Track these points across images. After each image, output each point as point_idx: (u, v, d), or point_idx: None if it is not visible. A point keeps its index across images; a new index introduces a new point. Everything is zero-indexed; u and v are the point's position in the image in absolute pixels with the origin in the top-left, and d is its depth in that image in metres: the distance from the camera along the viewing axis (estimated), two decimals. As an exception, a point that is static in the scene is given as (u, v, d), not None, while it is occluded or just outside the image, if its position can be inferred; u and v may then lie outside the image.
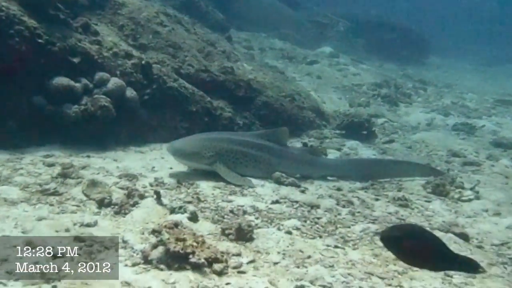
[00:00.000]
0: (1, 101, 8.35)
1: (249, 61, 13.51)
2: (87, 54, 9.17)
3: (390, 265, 5.57)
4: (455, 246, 6.38)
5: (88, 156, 8.49)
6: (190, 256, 4.79)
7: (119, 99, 9.20)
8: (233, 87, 11.39)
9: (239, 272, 5.02)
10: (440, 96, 19.89)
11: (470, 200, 8.34)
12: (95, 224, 5.68)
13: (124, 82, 9.42)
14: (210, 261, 4.89)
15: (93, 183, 6.69)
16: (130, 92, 9.39)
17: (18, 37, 8.36)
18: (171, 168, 8.33)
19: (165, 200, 6.69)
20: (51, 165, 7.57)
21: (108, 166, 7.99)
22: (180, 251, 4.77)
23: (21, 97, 8.52)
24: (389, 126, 14.06)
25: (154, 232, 5.11)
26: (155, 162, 8.57)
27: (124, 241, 5.32)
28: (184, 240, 4.88)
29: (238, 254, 5.42)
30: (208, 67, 11.30)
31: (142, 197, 6.46)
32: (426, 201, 8.18)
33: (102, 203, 6.26)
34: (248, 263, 5.26)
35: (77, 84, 8.85)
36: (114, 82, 9.19)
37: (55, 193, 6.51)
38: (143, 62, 9.82)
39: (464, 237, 6.62)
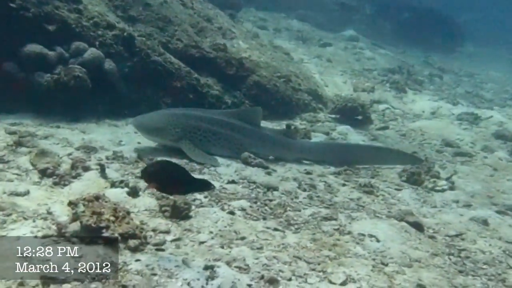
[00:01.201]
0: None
1: (249, 40, 13.10)
2: (64, 22, 9.01)
3: (324, 250, 5.31)
4: (405, 234, 6.09)
5: (58, 127, 8.36)
6: (104, 230, 4.60)
7: (96, 70, 9.04)
8: (223, 65, 11.12)
9: (157, 249, 4.81)
10: (456, 85, 19.27)
11: (443, 190, 8.02)
12: (26, 193, 5.51)
13: (103, 53, 9.25)
14: (126, 237, 4.67)
15: (43, 153, 6.53)
16: (108, 64, 9.21)
17: (-12, 1, 8.21)
18: (139, 143, 8.17)
19: (113, 174, 6.51)
20: (12, 133, 7.42)
21: (72, 137, 7.84)
22: (93, 224, 4.57)
23: (-10, 64, 8.39)
24: (390, 113, 13.62)
25: (70, 204, 4.92)
26: (125, 136, 8.40)
27: (49, 212, 5.15)
28: (100, 214, 4.68)
29: (166, 232, 5.22)
30: (198, 43, 11.06)
31: (86, 169, 6.30)
32: (396, 189, 7.85)
33: (44, 173, 6.11)
34: (172, 240, 5.06)
35: (51, 53, 8.72)
36: (91, 52, 9.03)
37: (2, 159, 6.35)
38: (125, 34, 9.62)
39: (418, 226, 6.32)
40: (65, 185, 5.94)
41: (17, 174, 6.10)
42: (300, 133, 9.74)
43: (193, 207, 5.96)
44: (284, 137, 8.54)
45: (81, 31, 9.16)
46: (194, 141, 7.87)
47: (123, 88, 9.48)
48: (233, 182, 6.95)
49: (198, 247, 5.01)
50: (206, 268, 4.50)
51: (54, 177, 6.07)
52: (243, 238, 5.36)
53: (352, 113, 11.70)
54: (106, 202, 4.89)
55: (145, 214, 5.61)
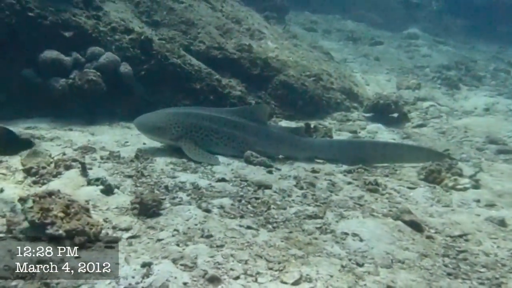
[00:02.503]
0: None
1: (281, 40, 12.89)
2: (81, 28, 9.21)
3: (293, 249, 5.00)
4: (397, 234, 5.67)
5: (70, 129, 8.54)
6: (48, 227, 4.54)
7: (112, 74, 9.16)
8: (247, 65, 10.98)
9: (107, 247, 4.69)
10: (525, 80, 17.92)
11: (465, 189, 7.38)
12: (-1, 192, 5.59)
13: (120, 57, 9.36)
14: (73, 234, 4.61)
15: (35, 153, 6.62)
16: (124, 67, 9.31)
17: (8, 11, 8.52)
18: (144, 144, 8.15)
19: (101, 173, 6.50)
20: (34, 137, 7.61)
21: (78, 139, 7.96)
22: (37, 220, 4.54)
23: (11, 70, 8.71)
24: (435, 110, 12.88)
25: (20, 200, 4.92)
26: (133, 137, 8.42)
27: (13, 210, 5.18)
28: (48, 210, 4.64)
29: (127, 229, 5.12)
30: (222, 44, 10.97)
31: (68, 168, 6.32)
32: (409, 187, 7.34)
33: (29, 173, 6.20)
34: (128, 238, 4.94)
35: (67, 58, 8.92)
36: (106, 56, 9.16)
37: (-8, 160, 6.53)
38: (142, 37, 9.68)
39: (414, 225, 5.85)
40: (43, 183, 5.97)
41: (2, 174, 6.20)
42: (320, 132, 9.32)
43: (168, 204, 5.83)
44: (292, 135, 8.21)
45: (97, 36, 9.32)
46: (195, 140, 7.75)
47: (140, 91, 9.53)
48: (223, 180, 6.76)
49: (153, 245, 4.85)
50: (144, 265, 4.33)
51: (37, 176, 6.11)
52: (208, 236, 5.14)
53: (385, 111, 11.16)
54: (59, 198, 4.84)
55: (114, 211, 5.54)
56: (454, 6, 27.22)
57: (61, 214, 4.68)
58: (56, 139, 7.78)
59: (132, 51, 9.45)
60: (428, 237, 5.75)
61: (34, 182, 6.01)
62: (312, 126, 9.52)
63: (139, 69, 9.50)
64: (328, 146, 8.42)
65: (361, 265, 4.94)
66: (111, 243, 4.77)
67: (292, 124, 10.06)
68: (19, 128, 8.14)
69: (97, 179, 5.98)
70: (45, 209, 4.64)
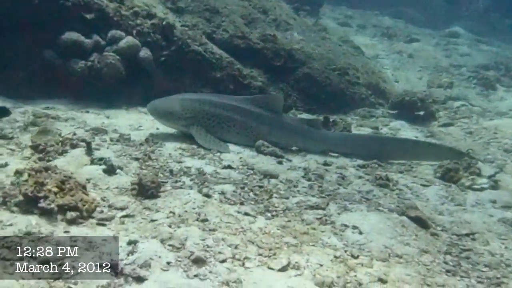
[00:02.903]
0: (13, 53, 8.73)
1: (308, 32, 12.72)
2: (103, 11, 9.23)
3: (287, 237, 4.90)
4: (400, 229, 5.52)
5: (87, 112, 8.59)
6: (41, 200, 4.55)
7: (132, 58, 9.17)
8: (271, 56, 10.87)
9: (98, 224, 4.68)
10: None
11: (482, 189, 7.13)
12: (3, 166, 5.62)
13: (140, 42, 9.35)
14: (66, 209, 4.60)
15: (44, 131, 6.70)
16: (144, 52, 9.30)
17: (31, -9, 8.61)
18: (157, 129, 8.14)
19: (108, 154, 6.50)
20: (39, 116, 7.68)
21: (93, 121, 7.99)
22: (30, 193, 4.55)
23: (33, 50, 8.80)
24: (465, 110, 12.51)
25: (16, 173, 4.95)
26: (148, 122, 8.40)
27: (13, 184, 5.19)
28: (42, 184, 4.65)
29: (122, 208, 5.08)
30: (246, 33, 10.88)
31: (74, 146, 6.34)
32: (423, 185, 7.14)
33: (36, 150, 6.24)
34: (122, 217, 4.90)
35: (87, 40, 8.96)
36: (126, 40, 9.17)
37: (5, 137, 6.61)
38: (164, 23, 9.66)
39: (419, 221, 5.67)
40: (48, 161, 5.99)
41: (11, 150, 6.27)
42: (339, 126, 9.14)
43: (169, 187, 5.78)
44: (307, 126, 8.04)
45: (119, 20, 9.33)
46: (207, 127, 7.68)
47: (159, 76, 9.52)
48: (229, 167, 6.69)
49: (145, 225, 4.81)
50: (130, 243, 4.29)
51: (43, 153, 6.14)
52: (204, 220, 5.07)
53: (410, 108, 10.90)
54: (56, 174, 4.84)
55: (113, 191, 5.52)
56: (502, 5, 26.24)
57: (55, 189, 4.68)
58: (71, 120, 7.82)
59: (153, 37, 9.43)
60: (433, 234, 5.56)
61: (40, 159, 6.03)
62: (331, 120, 9.30)
63: (159, 54, 9.49)
64: (343, 140, 8.24)
65: (355, 257, 4.80)
66: (104, 221, 4.76)
67: (310, 117, 9.83)
68: (37, 108, 8.18)
69: (101, 159, 5.98)
70: (39, 183, 4.65)
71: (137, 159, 6.61)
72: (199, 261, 4.19)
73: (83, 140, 6.50)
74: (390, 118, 11.01)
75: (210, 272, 4.10)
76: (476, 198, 6.84)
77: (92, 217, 4.76)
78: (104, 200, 5.20)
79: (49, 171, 4.89)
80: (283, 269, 4.32)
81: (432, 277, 4.61)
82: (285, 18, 12.61)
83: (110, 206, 5.10)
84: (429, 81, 14.20)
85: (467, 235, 5.63)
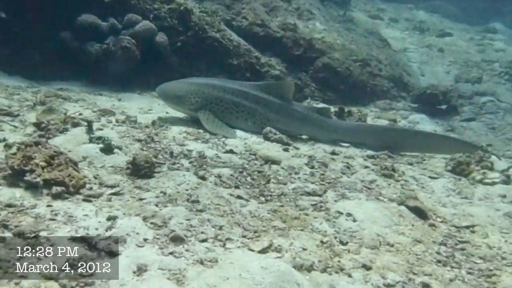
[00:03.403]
0: (31, 35, 8.85)
1: (332, 22, 12.53)
2: (120, -6, 9.27)
3: (276, 221, 4.80)
4: (396, 218, 5.36)
5: (100, 94, 8.67)
6: (27, 174, 4.57)
7: (147, 42, 9.21)
8: (290, 45, 10.76)
9: (84, 200, 4.66)
10: None
11: (493, 183, 6.87)
12: (1, 141, 5.69)
13: (157, 26, 9.38)
14: (52, 183, 4.62)
15: (50, 110, 6.77)
16: (160, 37, 9.33)
17: (49, -27, 8.71)
18: (167, 113, 8.14)
19: (111, 134, 6.53)
20: (48, 96, 7.77)
21: (103, 103, 8.05)
22: (16, 166, 4.57)
23: (49, 32, 8.91)
24: (492, 106, 12.17)
25: (6, 146, 4.99)
26: (159, 106, 8.42)
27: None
28: (30, 158, 4.68)
29: (112, 186, 5.06)
30: (265, 21, 10.79)
31: (75, 125, 6.37)
32: (431, 177, 6.94)
33: (38, 127, 6.29)
34: (110, 194, 4.88)
35: (104, 23, 9.03)
36: (142, 24, 9.21)
37: (11, 114, 6.70)
38: (181, 8, 9.65)
39: (418, 211, 5.49)
40: (48, 138, 6.02)
41: (14, 126, 6.34)
42: (354, 117, 8.98)
43: (165, 168, 5.75)
44: (317, 115, 7.90)
45: (136, 4, 9.39)
46: (215, 112, 7.62)
47: (175, 62, 9.52)
48: (231, 152, 6.62)
49: (132, 203, 4.77)
50: (109, 219, 4.26)
51: (45, 131, 6.19)
52: (194, 201, 5.01)
53: (431, 102, 10.63)
54: (46, 149, 4.86)
55: (108, 170, 5.51)
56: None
57: (43, 164, 4.68)
58: (81, 101, 7.88)
59: (170, 21, 9.45)
60: (431, 225, 5.38)
61: (40, 136, 6.05)
62: (346, 110, 9.13)
63: (176, 40, 9.51)
64: (354, 130, 8.07)
65: (344, 244, 4.68)
66: (91, 197, 4.74)
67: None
68: (51, 89, 8.27)
69: (99, 138, 5.98)
70: (27, 157, 4.65)
71: (140, 140, 6.60)
72: (177, 240, 4.13)
73: (85, 120, 6.48)
74: (411, 111, 10.74)
75: (187, 250, 4.03)
76: (485, 192, 6.60)
77: (80, 193, 4.73)
78: (96, 178, 5.18)
79: (39, 146, 4.89)
80: (263, 251, 4.22)
81: (420, 266, 4.46)
82: (308, 7, 12.46)
83: (100, 184, 5.08)
84: (457, 76, 13.84)
85: (467, 227, 5.43)
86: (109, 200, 4.75)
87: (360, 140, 7.91)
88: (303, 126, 7.85)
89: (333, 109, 9.33)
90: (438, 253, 4.78)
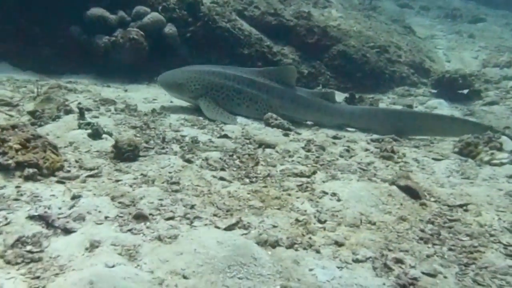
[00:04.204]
0: (41, 29, 9.01)
1: (350, 10, 12.29)
2: (129, -13, 9.33)
3: (254, 201, 4.68)
4: (385, 198, 5.15)
5: (108, 86, 8.75)
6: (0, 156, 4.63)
7: (156, 34, 9.23)
8: (304, 33, 10.59)
9: (58, 181, 4.67)
10: None
11: (501, 164, 6.56)
12: (-8, 128, 5.78)
13: (165, 18, 9.39)
14: (26, 165, 4.65)
15: (48, 99, 6.85)
16: (169, 28, 9.35)
17: (59, -31, 8.85)
18: (171, 102, 8.13)
19: (106, 121, 6.59)
20: (52, 87, 7.88)
21: (108, 94, 8.11)
22: (-13, 149, 4.63)
23: (60, 26, 9.05)
24: (519, 91, 11.63)
25: (-18, 130, 5.05)
26: (165, 96, 8.41)
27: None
28: (4, 140, 4.72)
29: (92, 169, 5.06)
30: (278, 10, 10.65)
31: (67, 112, 6.43)
32: (435, 159, 6.67)
33: (33, 115, 6.39)
34: (87, 176, 4.88)
35: (112, 16, 9.10)
36: (151, 16, 9.24)
37: (10, 104, 6.82)
38: (190, -1, 9.64)
39: (410, 191, 5.26)
40: (40, 125, 6.10)
41: (10, 115, 6.44)
42: (366, 103, 8.76)
43: (152, 152, 5.71)
44: (321, 99, 7.73)
45: (145, -4, 9.38)
46: (216, 99, 7.56)
47: (184, 53, 9.51)
48: (225, 136, 6.55)
49: (107, 184, 4.74)
50: (73, 198, 4.25)
51: (38, 118, 6.27)
52: (173, 183, 4.96)
53: (451, 86, 10.26)
54: (22, 132, 4.90)
55: (93, 154, 5.52)
56: None
57: (17, 146, 4.70)
58: (86, 92, 7.96)
59: (179, 13, 9.45)
60: (422, 204, 5.14)
61: (33, 124, 6.13)
62: (357, 96, 8.91)
63: (185, 31, 9.47)
64: (360, 114, 7.84)
65: (322, 222, 4.51)
66: (65, 179, 4.74)
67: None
68: (60, 81, 8.38)
69: (88, 123, 6.00)
70: (1, 139, 4.68)
71: (135, 127, 6.57)
72: (140, 217, 4.08)
73: (77, 107, 6.54)
74: (430, 97, 10.37)
75: (147, 227, 3.97)
76: (491, 172, 6.29)
77: (55, 176, 4.73)
78: (77, 162, 5.18)
79: (16, 129, 4.92)
80: (229, 228, 4.12)
81: (398, 243, 4.25)
82: (325, -5, 12.22)
83: (80, 167, 5.07)
84: (485, 60, 13.29)
85: (460, 206, 5.17)
86: (84, 181, 4.73)
87: (366, 124, 7.70)
88: (307, 112, 7.69)
89: (344, 95, 9.14)
90: (422, 231, 4.56)
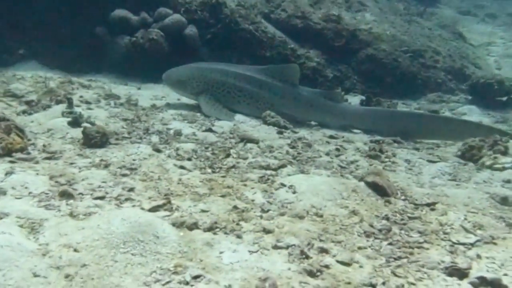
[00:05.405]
0: (68, 30, 9.42)
1: (387, 14, 11.93)
2: (152, -11, 9.56)
3: (201, 188, 4.57)
4: (347, 193, 4.87)
5: (125, 84, 8.98)
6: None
7: (176, 35, 9.38)
8: (331, 36, 10.39)
9: (10, 161, 4.77)
10: None
11: (503, 168, 6.09)
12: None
13: (187, 19, 9.53)
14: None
15: (52, 91, 7.13)
16: (189, 29, 9.47)
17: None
18: (178, 99, 8.22)
19: (102, 114, 6.76)
20: (62, 82, 8.18)
21: (119, 91, 8.29)
22: None
23: (86, 27, 9.41)
24: None
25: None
26: (176, 94, 8.49)
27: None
28: (-19, 129, 4.95)
29: (53, 153, 5.17)
30: (306, 13, 10.53)
31: (58, 102, 6.64)
32: (430, 161, 6.33)
33: (29, 104, 6.66)
34: (44, 158, 5.01)
35: (134, 17, 9.35)
36: (172, 17, 9.41)
37: (15, 95, 7.14)
38: (213, 1, 9.72)
39: (376, 187, 4.97)
40: (30, 114, 6.34)
41: (8, 105, 6.74)
42: (383, 106, 8.44)
43: (125, 141, 5.78)
44: (324, 99, 7.52)
45: (168, -2, 9.56)
46: (217, 96, 7.54)
47: (204, 54, 9.58)
48: (209, 130, 6.52)
49: (58, 166, 4.82)
50: (6, 173, 4.37)
51: (30, 107, 6.52)
52: (129, 168, 4.98)
53: (485, 92, 9.67)
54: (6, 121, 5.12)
55: (66, 140, 5.66)
56: None
57: (-7, 134, 4.89)
58: (99, 88, 8.18)
59: (200, 14, 9.54)
60: (387, 201, 4.84)
61: (23, 112, 6.39)
62: (374, 99, 8.59)
63: (206, 32, 9.54)
64: (363, 115, 7.56)
65: (265, 211, 4.34)
66: (20, 160, 4.88)
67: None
68: (80, 79, 8.68)
69: (70, 112, 6.17)
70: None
71: (126, 120, 6.67)
72: (65, 195, 4.10)
73: (57, 95, 6.73)
74: (464, 104, 9.81)
75: (67, 204, 3.98)
76: (488, 177, 5.85)
77: (11, 156, 4.86)
78: (44, 146, 5.31)
79: (-3, 120, 5.13)
80: (153, 209, 4.06)
81: (334, 235, 4.02)
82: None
83: (44, 151, 5.19)
84: (542, 69, 12.44)
85: (428, 205, 4.81)
86: (36, 163, 4.82)
87: (371, 126, 7.40)
88: (309, 111, 7.51)
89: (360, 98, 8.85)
90: (371, 225, 4.28)
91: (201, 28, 9.45)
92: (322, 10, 10.70)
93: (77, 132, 5.83)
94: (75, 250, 3.34)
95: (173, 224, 3.84)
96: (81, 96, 7.28)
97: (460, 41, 12.92)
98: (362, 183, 5.11)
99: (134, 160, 5.27)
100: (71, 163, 4.94)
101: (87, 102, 7.05)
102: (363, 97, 8.77)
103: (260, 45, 9.64)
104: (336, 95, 7.65)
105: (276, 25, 10.14)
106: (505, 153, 6.33)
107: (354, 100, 9.23)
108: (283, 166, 5.45)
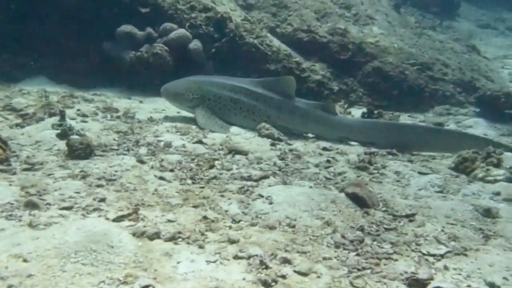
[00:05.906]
0: (75, 45, 9.60)
1: (396, 28, 11.83)
2: (157, 5, 9.70)
3: (175, 199, 4.63)
4: (325, 204, 4.84)
5: (129, 98, 9.06)
6: None
7: (181, 49, 9.46)
8: (337, 49, 10.34)
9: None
10: None
11: (495, 181, 5.93)
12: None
13: (192, 34, 9.61)
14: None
15: (49, 104, 7.26)
16: (194, 44, 9.54)
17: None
18: (178, 112, 8.27)
19: (96, 126, 6.86)
20: (63, 96, 8.32)
21: (120, 104, 8.36)
22: None
23: (91, 43, 9.59)
24: None
25: None
26: (176, 108, 8.56)
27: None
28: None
29: (33, 164, 5.24)
30: (312, 27, 10.52)
31: (51, 115, 6.75)
32: (421, 173, 6.19)
33: (23, 118, 6.80)
34: (23, 169, 5.10)
35: (140, 32, 9.47)
36: (176, 32, 9.50)
37: (14, 109, 7.28)
38: (218, 16, 9.81)
39: (356, 199, 4.92)
40: (22, 127, 6.47)
41: (4, 118, 6.89)
42: (384, 118, 8.35)
43: (111, 153, 5.84)
44: (320, 111, 7.47)
45: (173, 13, 9.70)
46: (213, 109, 7.57)
47: (209, 68, 9.64)
48: (199, 142, 6.53)
49: (34, 177, 4.90)
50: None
51: (24, 120, 6.65)
52: (108, 180, 5.04)
53: (492, 105, 9.46)
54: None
55: (53, 152, 5.75)
56: None
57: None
58: (100, 102, 8.28)
59: (205, 29, 9.60)
60: (366, 212, 4.77)
61: (17, 125, 6.50)
62: (375, 112, 8.50)
63: (211, 46, 9.59)
64: (360, 127, 7.47)
65: (236, 222, 4.34)
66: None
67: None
68: (84, 94, 8.81)
69: (59, 125, 6.24)
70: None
71: (119, 132, 6.74)
72: (29, 205, 4.16)
73: (51, 108, 6.84)
74: (472, 117, 9.63)
75: (30, 214, 4.04)
76: (478, 189, 5.70)
77: (-13, 167, 4.95)
78: (28, 157, 5.40)
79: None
80: (117, 219, 4.09)
81: (302, 246, 3.98)
82: (369, 13, 11.87)
83: (25, 162, 5.27)
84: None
85: (407, 216, 4.72)
86: (13, 174, 4.90)
87: (368, 138, 7.31)
88: (306, 123, 7.46)
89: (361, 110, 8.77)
90: (343, 236, 4.22)
91: (206, 42, 9.52)
92: (328, 24, 10.68)
93: (63, 144, 5.88)
94: (24, 260, 3.37)
95: (133, 234, 3.85)
96: (78, 110, 7.36)
97: (473, 54, 12.71)
98: (342, 194, 5.06)
99: (116, 171, 5.30)
100: (49, 174, 4.99)
101: (83, 115, 7.14)
102: (364, 110, 8.64)
103: (265, 58, 9.65)
104: (331, 107, 7.57)
105: (282, 39, 10.16)
106: (498, 165, 6.15)
107: (358, 113, 9.12)
108: (265, 177, 5.43)
